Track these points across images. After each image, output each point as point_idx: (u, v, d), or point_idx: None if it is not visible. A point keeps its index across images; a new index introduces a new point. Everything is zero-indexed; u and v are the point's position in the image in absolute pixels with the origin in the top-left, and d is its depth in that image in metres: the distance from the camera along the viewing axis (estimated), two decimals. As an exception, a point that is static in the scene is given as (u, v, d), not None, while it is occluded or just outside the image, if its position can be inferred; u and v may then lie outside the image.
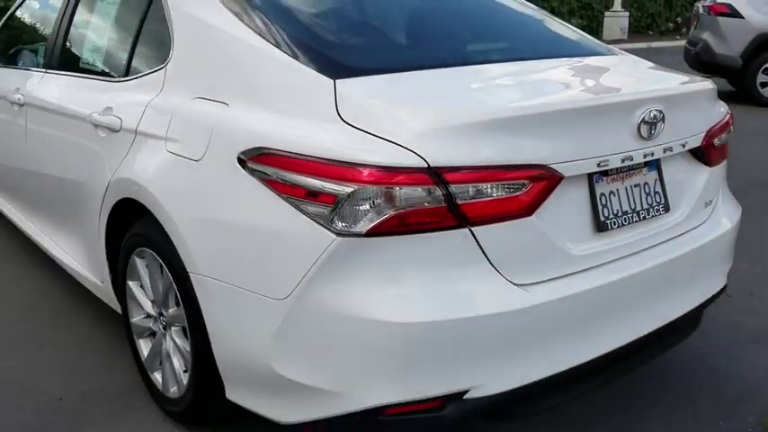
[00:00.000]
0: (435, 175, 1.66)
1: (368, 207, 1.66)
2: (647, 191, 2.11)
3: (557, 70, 2.29)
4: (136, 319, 2.53)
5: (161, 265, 2.27)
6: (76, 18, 2.97)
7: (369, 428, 1.83)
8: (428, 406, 1.76)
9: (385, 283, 1.70)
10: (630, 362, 2.13)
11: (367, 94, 1.85)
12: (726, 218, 2.41)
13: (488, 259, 1.75)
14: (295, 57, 1.97)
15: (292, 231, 1.75)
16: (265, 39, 2.06)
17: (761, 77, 9.13)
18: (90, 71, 2.80)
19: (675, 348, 2.83)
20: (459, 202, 1.69)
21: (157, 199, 2.10)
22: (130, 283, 2.49)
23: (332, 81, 1.86)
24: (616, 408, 2.54)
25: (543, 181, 1.78)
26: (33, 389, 2.61)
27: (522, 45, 2.55)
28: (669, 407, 2.56)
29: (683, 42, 11.81)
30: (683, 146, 2.16)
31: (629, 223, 2.05)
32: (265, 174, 1.80)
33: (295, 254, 1.75)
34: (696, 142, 2.22)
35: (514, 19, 2.76)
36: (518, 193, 1.75)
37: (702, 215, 2.31)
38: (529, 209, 1.77)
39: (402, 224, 1.68)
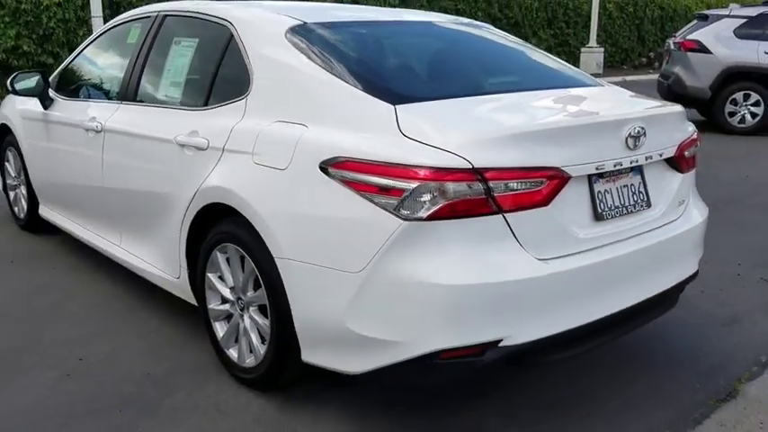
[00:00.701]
0: (477, 173, 2.22)
1: (427, 198, 2.21)
2: (633, 190, 2.69)
3: (560, 97, 2.88)
4: (213, 305, 3.04)
5: (242, 257, 2.79)
6: (152, 58, 3.51)
7: (426, 371, 2.34)
8: (472, 351, 2.29)
9: (439, 256, 2.24)
10: (626, 325, 2.68)
11: (421, 115, 2.41)
12: (696, 215, 2.99)
13: (516, 238, 2.30)
14: (361, 89, 2.53)
15: (366, 218, 2.29)
16: (334, 75, 2.62)
17: (728, 107, 9.88)
18: (167, 102, 3.33)
19: (659, 329, 3.42)
20: (495, 194, 2.24)
21: (247, 201, 2.63)
22: (210, 275, 3.00)
23: (393, 106, 2.42)
24: (610, 376, 3.09)
25: (556, 179, 2.35)
26: (125, 367, 3.09)
27: (530, 78, 3.16)
28: (655, 374, 3.10)
29: (655, 76, 12.60)
30: (661, 155, 2.75)
31: (620, 215, 2.62)
32: (344, 176, 2.35)
33: (369, 235, 2.29)
34: (670, 153, 2.81)
35: (522, 58, 3.37)
36: (538, 188, 2.31)
37: (677, 212, 2.89)
38: (546, 200, 2.33)
39: (452, 211, 2.22)
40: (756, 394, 2.95)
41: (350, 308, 2.36)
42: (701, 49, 10.04)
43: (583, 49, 18.59)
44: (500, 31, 3.67)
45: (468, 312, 2.24)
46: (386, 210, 2.25)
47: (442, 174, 2.21)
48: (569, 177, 2.39)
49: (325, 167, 2.40)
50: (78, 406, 2.79)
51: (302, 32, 2.89)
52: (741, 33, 9.94)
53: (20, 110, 4.66)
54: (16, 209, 5.08)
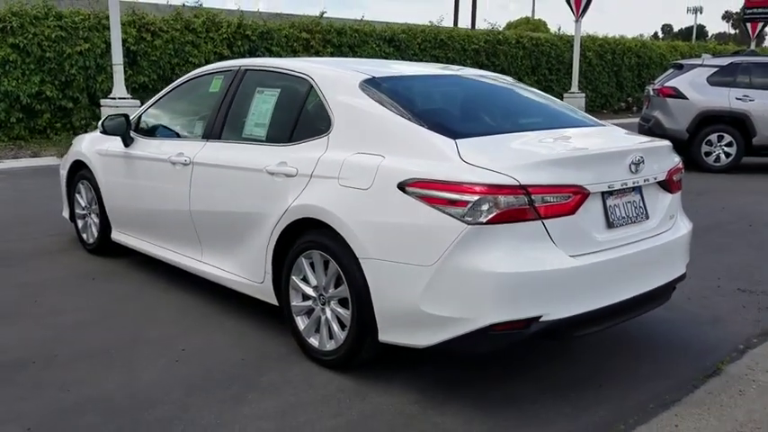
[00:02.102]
0: (523, 189, 2.96)
1: (485, 208, 2.94)
2: (635, 205, 3.45)
3: (576, 134, 3.66)
4: (295, 302, 3.72)
5: (325, 261, 3.50)
6: (235, 103, 4.24)
7: (482, 341, 3.04)
8: (519, 325, 3.00)
9: (495, 251, 2.96)
10: (632, 311, 3.41)
11: (476, 147, 3.17)
12: (683, 227, 3.76)
13: (551, 239, 3.04)
14: (427, 127, 3.29)
15: (437, 224, 3.02)
16: (403, 117, 3.38)
17: (704, 148, 10.82)
18: (253, 139, 4.05)
19: (656, 326, 4.16)
20: (536, 205, 2.99)
21: (336, 215, 3.34)
22: (294, 278, 3.69)
23: (454, 140, 3.18)
24: (619, 358, 3.82)
25: (579, 195, 3.10)
26: (221, 355, 3.76)
27: (550, 120, 3.95)
28: (655, 357, 3.83)
29: (634, 119, 13.56)
30: (655, 179, 3.52)
31: (626, 224, 3.37)
32: (418, 192, 3.08)
33: (439, 236, 3.01)
34: (662, 177, 3.59)
35: (542, 103, 4.17)
36: (566, 201, 3.06)
37: (668, 224, 3.65)
38: (572, 210, 3.09)
39: (504, 217, 2.96)
40: (736, 372, 3.68)
41: (423, 293, 3.07)
42: (678, 95, 11.00)
43: (565, 95, 19.55)
44: (520, 83, 4.47)
45: (517, 294, 2.97)
46: (453, 217, 2.99)
47: (496, 189, 2.95)
48: (589, 193, 3.15)
49: (402, 187, 3.14)
50: (194, 382, 3.45)
51: (372, 84, 3.65)
52: (713, 81, 10.92)
53: (97, 148, 5.36)
54: (85, 235, 5.73)
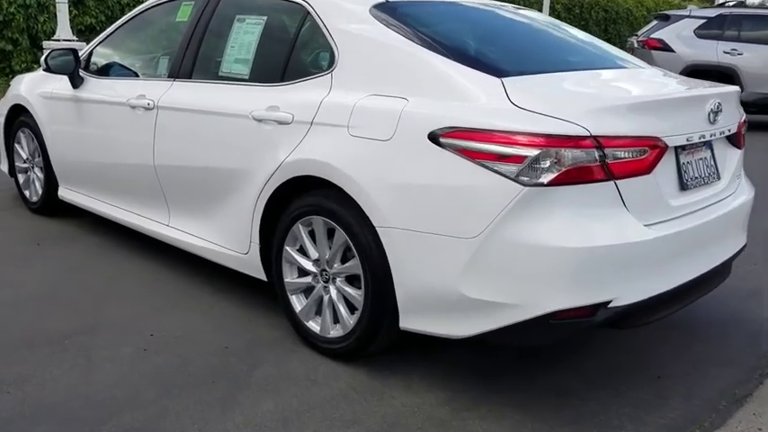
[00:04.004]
0: (595, 140, 2.33)
1: (548, 164, 2.31)
2: (707, 164, 2.86)
3: (632, 75, 3.03)
4: (289, 279, 3.06)
5: (330, 229, 2.83)
6: (209, 35, 3.49)
7: (537, 332, 2.44)
8: (584, 312, 2.40)
9: (559, 220, 2.33)
10: (701, 290, 2.84)
11: (528, 87, 2.52)
12: (748, 190, 3.19)
13: (625, 205, 2.43)
14: (463, 63, 2.61)
15: (483, 185, 2.37)
16: (431, 50, 2.69)
17: (691, 103, 10.36)
18: (233, 78, 3.31)
19: (705, 302, 3.61)
20: (609, 161, 2.36)
21: (346, 172, 2.67)
22: (288, 249, 3.02)
23: (499, 79, 2.52)
24: (665, 343, 3.27)
25: (658, 148, 2.49)
26: (199, 341, 3.08)
27: (598, 58, 3.27)
28: (708, 340, 3.30)
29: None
30: (729, 131, 2.93)
31: (699, 186, 2.78)
32: (457, 145, 2.42)
33: (486, 201, 2.36)
34: (733, 129, 2.99)
35: (584, 39, 3.50)
36: (643, 156, 2.44)
37: (735, 186, 3.08)
38: (649, 168, 2.47)
39: (570, 177, 2.32)
40: (805, 354, 3.18)
41: (464, 273, 2.44)
42: (665, 47, 10.51)
43: (535, 48, 18.98)
44: (552, 18, 3.80)
45: (585, 274, 2.36)
46: (504, 176, 2.34)
47: (560, 141, 2.31)
48: (667, 147, 2.53)
49: (434, 137, 2.47)
50: (168, 378, 2.77)
51: (386, 9, 2.95)
52: (701, 33, 10.44)
53: (40, 90, 4.54)
54: (27, 192, 4.92)
